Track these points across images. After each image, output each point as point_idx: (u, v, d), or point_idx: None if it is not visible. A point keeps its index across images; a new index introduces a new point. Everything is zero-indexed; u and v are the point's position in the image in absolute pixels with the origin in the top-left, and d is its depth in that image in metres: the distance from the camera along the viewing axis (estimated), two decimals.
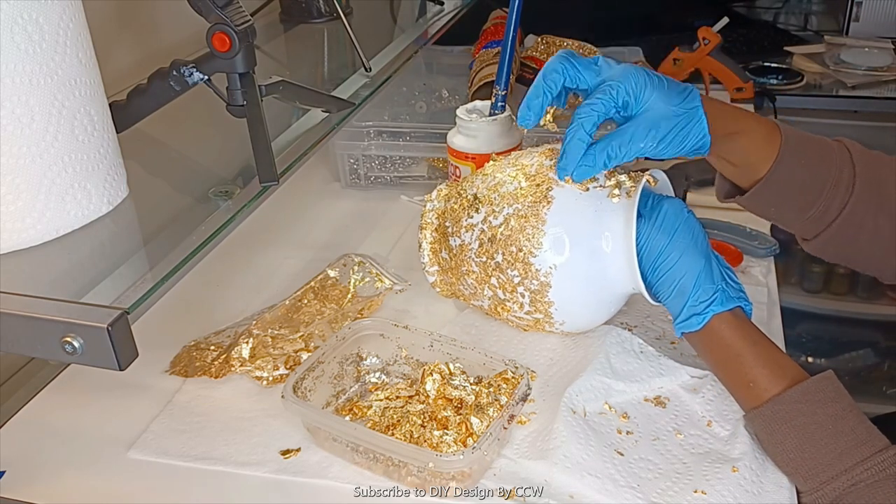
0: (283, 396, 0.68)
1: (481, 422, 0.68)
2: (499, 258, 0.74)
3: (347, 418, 0.72)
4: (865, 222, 0.71)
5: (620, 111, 0.68)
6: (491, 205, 0.75)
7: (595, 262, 0.72)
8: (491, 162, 0.82)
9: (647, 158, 0.72)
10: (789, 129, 0.72)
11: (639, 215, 0.69)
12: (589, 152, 0.68)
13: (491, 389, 0.70)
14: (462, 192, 0.80)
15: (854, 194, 0.70)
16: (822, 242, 0.73)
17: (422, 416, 0.70)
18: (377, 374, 0.77)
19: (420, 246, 0.82)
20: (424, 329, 0.76)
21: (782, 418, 0.63)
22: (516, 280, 0.74)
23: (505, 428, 0.65)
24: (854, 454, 0.60)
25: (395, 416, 0.70)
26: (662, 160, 0.79)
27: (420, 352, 0.75)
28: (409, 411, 0.71)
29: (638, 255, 0.69)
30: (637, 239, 0.69)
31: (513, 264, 0.73)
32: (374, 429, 0.70)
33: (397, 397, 0.73)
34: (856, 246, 0.73)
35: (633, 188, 0.71)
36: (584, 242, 0.71)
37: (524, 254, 0.72)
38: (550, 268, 0.72)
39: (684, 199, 0.76)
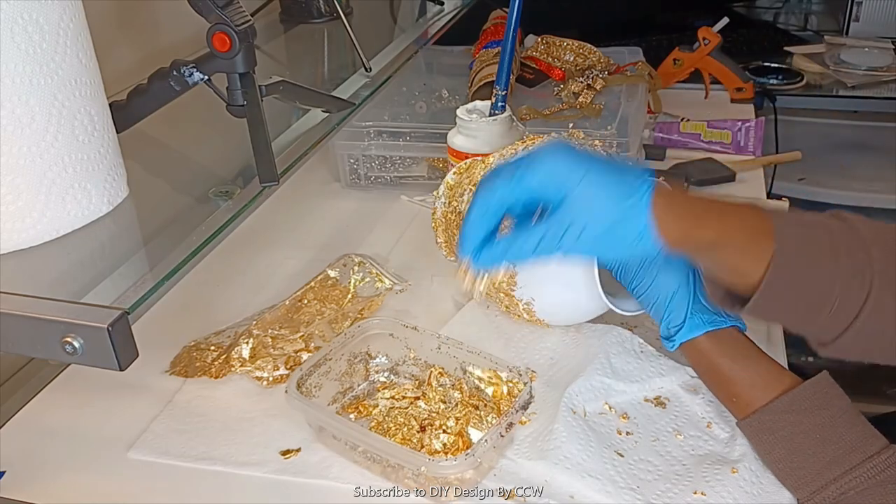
0: (286, 392, 0.68)
1: (480, 428, 0.68)
2: None
3: (352, 416, 0.73)
4: (891, 308, 0.58)
5: (534, 199, 0.56)
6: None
7: (566, 270, 0.73)
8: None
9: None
10: (783, 223, 0.58)
11: None
12: (489, 247, 0.57)
13: (493, 397, 0.71)
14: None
15: (874, 282, 0.58)
16: (844, 344, 0.60)
17: (424, 418, 0.70)
18: (386, 374, 0.77)
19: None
20: (432, 331, 0.76)
21: (768, 429, 0.63)
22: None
23: (502, 435, 0.65)
24: (843, 462, 0.59)
25: (399, 417, 0.71)
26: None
27: (428, 353, 0.75)
28: (412, 412, 0.71)
29: (616, 274, 0.70)
30: (614, 259, 0.70)
31: None
32: (377, 428, 0.70)
33: (403, 397, 0.73)
34: (885, 339, 0.59)
35: None
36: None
37: None
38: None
39: None
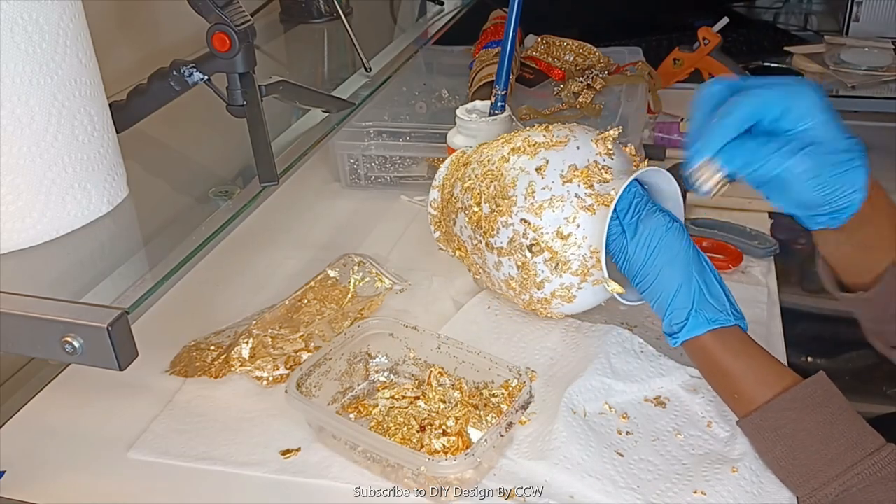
0: (286, 391, 0.68)
1: (480, 428, 0.68)
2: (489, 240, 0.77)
3: (352, 416, 0.73)
4: None
5: (781, 120, 0.60)
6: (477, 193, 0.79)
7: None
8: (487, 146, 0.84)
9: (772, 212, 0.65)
10: None
11: (621, 230, 0.69)
12: (734, 145, 0.61)
13: (493, 396, 0.71)
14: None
15: None
16: None
17: (424, 418, 0.70)
18: (386, 374, 0.77)
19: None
20: (432, 331, 0.76)
21: (771, 426, 0.63)
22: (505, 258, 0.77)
23: (502, 435, 0.65)
24: (844, 459, 0.59)
25: (399, 417, 0.71)
26: (784, 214, 0.67)
27: (428, 353, 0.75)
28: (412, 412, 0.71)
29: (621, 267, 0.70)
30: (619, 253, 0.70)
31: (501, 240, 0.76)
32: (377, 428, 0.70)
33: (403, 397, 0.73)
34: None
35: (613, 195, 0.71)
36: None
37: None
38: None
39: (684, 199, 0.74)
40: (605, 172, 0.73)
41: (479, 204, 0.78)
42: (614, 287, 0.71)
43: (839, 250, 0.67)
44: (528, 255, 0.74)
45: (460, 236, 0.82)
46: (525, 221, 0.74)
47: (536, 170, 0.74)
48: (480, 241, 0.78)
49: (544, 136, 0.77)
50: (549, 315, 0.80)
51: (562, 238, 0.73)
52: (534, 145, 0.77)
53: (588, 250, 0.73)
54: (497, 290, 0.83)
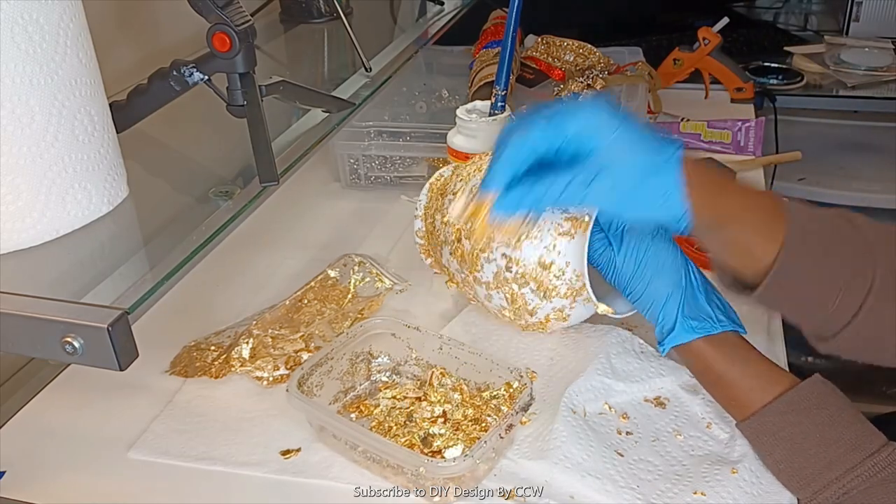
0: (287, 390, 0.68)
1: (480, 429, 0.68)
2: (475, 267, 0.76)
3: (353, 415, 0.73)
4: (890, 311, 0.59)
5: (565, 150, 0.55)
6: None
7: None
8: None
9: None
10: (795, 211, 0.60)
11: (608, 243, 0.69)
12: (514, 189, 0.56)
13: (494, 397, 0.70)
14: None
15: (875, 282, 0.59)
16: (843, 341, 0.61)
17: (424, 419, 0.70)
18: (388, 374, 0.77)
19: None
20: (434, 331, 0.76)
21: (768, 430, 0.63)
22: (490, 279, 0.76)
23: (502, 437, 0.65)
24: (844, 461, 0.59)
25: (400, 417, 0.71)
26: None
27: (429, 353, 0.75)
28: (413, 413, 0.71)
29: (611, 279, 0.70)
30: (607, 265, 0.69)
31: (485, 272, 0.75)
32: (378, 428, 0.70)
33: (405, 397, 0.73)
34: (881, 340, 0.61)
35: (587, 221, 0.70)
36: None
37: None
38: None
39: None
40: None
41: (459, 240, 0.77)
42: (603, 308, 0.71)
43: (718, 258, 0.64)
44: (516, 287, 0.74)
45: (449, 268, 0.81)
46: (506, 256, 0.73)
47: None
48: (468, 276, 0.78)
49: None
50: (549, 331, 0.81)
51: (545, 268, 0.73)
52: None
53: (573, 274, 0.73)
54: (495, 318, 0.83)
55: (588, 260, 0.70)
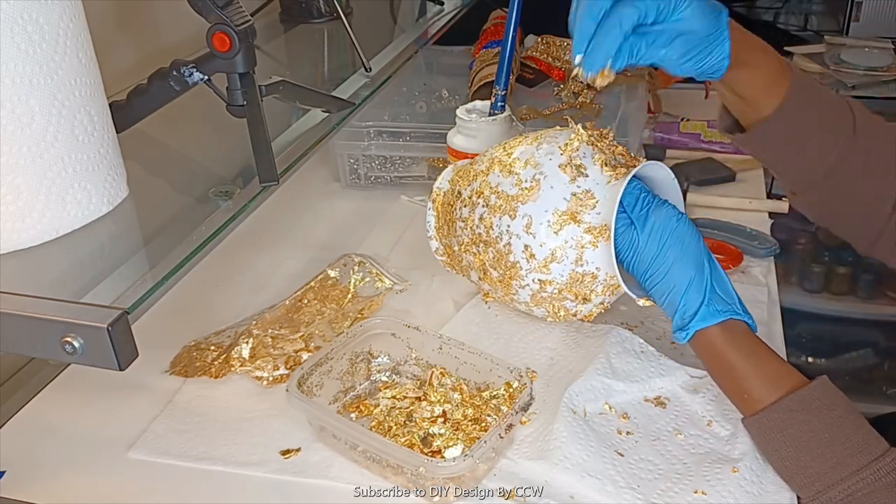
0: (287, 390, 0.68)
1: (480, 429, 0.68)
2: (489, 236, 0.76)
3: (353, 415, 0.73)
4: (851, 182, 0.72)
5: (657, 17, 0.65)
6: (482, 190, 0.78)
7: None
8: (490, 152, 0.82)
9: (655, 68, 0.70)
10: (799, 74, 0.71)
11: (629, 222, 0.68)
12: (599, 34, 0.64)
13: (494, 397, 0.70)
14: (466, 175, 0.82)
15: (847, 153, 0.71)
16: (810, 197, 0.75)
17: (424, 419, 0.70)
18: (388, 374, 0.77)
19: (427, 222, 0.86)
20: (434, 331, 0.76)
21: (777, 427, 0.63)
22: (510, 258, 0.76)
23: (501, 437, 0.65)
24: (850, 464, 0.59)
25: (400, 417, 0.71)
26: (676, 77, 0.76)
27: (429, 353, 0.75)
28: (413, 412, 0.71)
29: (629, 264, 0.69)
30: (627, 247, 0.69)
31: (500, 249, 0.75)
32: (378, 427, 0.70)
33: (405, 397, 0.73)
34: (839, 206, 0.74)
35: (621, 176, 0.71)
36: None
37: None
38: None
39: (684, 200, 0.74)
40: (588, 198, 0.72)
41: (484, 270, 0.78)
42: (644, 303, 0.71)
43: (727, 99, 0.74)
44: (556, 302, 0.76)
45: (481, 286, 0.82)
46: (539, 280, 0.74)
47: (524, 230, 0.73)
48: (505, 296, 0.79)
49: (514, 184, 0.74)
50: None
51: (578, 280, 0.74)
52: (508, 200, 0.74)
53: (606, 276, 0.73)
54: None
55: None
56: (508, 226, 0.74)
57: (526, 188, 0.73)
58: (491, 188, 0.76)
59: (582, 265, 0.73)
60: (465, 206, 0.79)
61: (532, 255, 0.73)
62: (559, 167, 0.73)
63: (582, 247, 0.72)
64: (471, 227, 0.78)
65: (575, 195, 0.72)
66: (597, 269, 0.73)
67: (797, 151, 0.73)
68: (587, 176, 0.72)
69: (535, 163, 0.74)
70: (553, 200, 0.72)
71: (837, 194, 0.73)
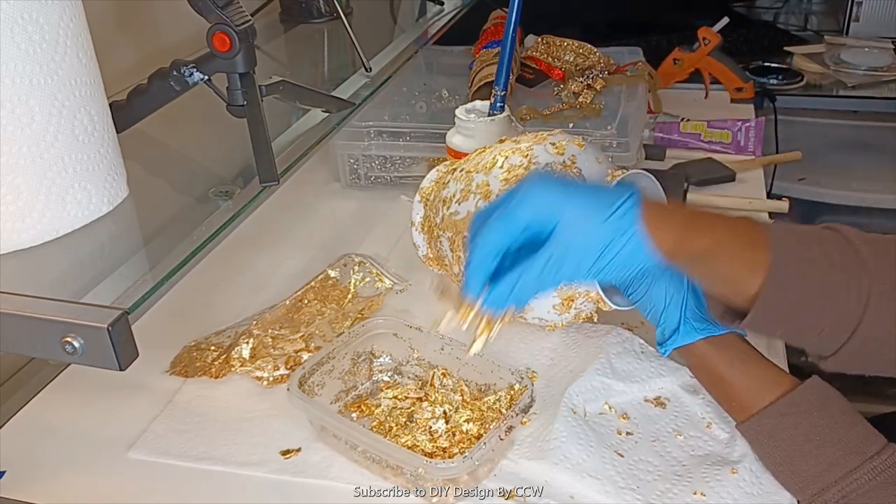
0: (288, 389, 0.68)
1: (480, 430, 0.68)
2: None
3: (354, 415, 0.73)
4: (889, 324, 0.58)
5: (528, 234, 0.56)
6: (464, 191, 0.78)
7: None
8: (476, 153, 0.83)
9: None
10: (778, 233, 0.58)
11: None
12: (493, 288, 0.56)
13: (495, 399, 0.70)
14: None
15: (871, 291, 0.57)
16: (846, 356, 0.59)
17: (425, 419, 0.70)
18: (389, 374, 0.77)
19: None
20: (436, 332, 0.76)
21: (768, 432, 0.63)
22: None
23: (501, 438, 0.65)
24: (843, 464, 0.59)
25: (401, 417, 0.71)
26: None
27: (431, 354, 0.75)
28: (414, 413, 0.71)
29: (613, 280, 0.69)
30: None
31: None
32: (379, 428, 0.70)
33: (406, 398, 0.73)
34: (886, 350, 0.59)
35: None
36: None
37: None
38: None
39: (684, 200, 0.74)
40: None
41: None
42: (610, 307, 0.72)
43: (706, 288, 0.64)
44: (538, 320, 0.78)
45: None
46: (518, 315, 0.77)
47: None
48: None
49: (499, 188, 0.75)
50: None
51: (563, 301, 0.76)
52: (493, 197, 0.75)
53: (586, 290, 0.75)
54: None
55: None
56: None
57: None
58: (478, 186, 0.77)
59: (563, 290, 0.75)
60: (450, 205, 0.79)
61: None
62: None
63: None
64: (455, 227, 0.78)
65: None
66: (579, 292, 0.75)
67: (809, 321, 0.59)
68: None
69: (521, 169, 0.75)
70: None
71: (878, 345, 0.58)
